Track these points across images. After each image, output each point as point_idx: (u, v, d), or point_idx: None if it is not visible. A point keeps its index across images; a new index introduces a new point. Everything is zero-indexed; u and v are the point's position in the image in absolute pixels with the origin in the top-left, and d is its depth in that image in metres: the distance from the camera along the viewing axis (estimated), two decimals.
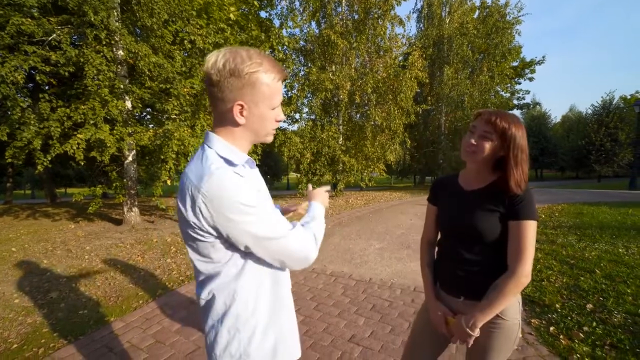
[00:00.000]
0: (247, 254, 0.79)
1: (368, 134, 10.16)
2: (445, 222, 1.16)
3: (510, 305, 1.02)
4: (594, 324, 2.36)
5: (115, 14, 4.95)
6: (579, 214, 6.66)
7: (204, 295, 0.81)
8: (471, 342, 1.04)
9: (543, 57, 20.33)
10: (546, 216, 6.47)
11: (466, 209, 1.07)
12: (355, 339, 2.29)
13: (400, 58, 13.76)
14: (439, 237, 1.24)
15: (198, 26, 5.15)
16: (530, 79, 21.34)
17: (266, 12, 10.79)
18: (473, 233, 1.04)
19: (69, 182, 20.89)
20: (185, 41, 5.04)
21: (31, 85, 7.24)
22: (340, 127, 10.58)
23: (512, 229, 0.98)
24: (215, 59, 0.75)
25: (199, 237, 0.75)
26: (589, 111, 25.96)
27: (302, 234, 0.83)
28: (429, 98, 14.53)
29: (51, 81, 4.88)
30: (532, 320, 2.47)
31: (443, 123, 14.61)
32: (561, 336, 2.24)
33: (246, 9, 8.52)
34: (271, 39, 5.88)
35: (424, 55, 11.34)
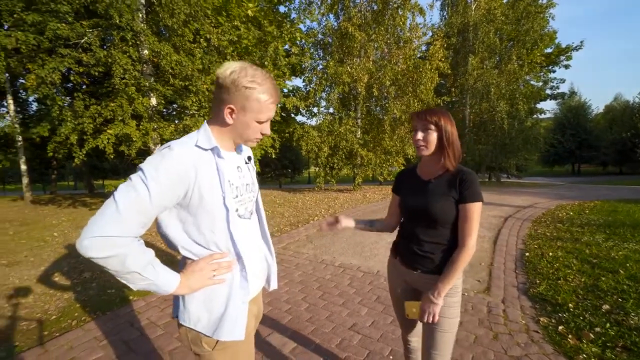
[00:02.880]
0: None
1: (387, 127, 10.01)
2: (406, 209, 1.33)
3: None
4: (608, 325, 2.27)
5: (140, 15, 5.24)
6: (613, 211, 6.22)
7: None
8: (438, 311, 1.19)
9: (581, 42, 18.79)
10: (574, 213, 6.11)
11: (425, 196, 1.24)
12: (356, 328, 2.36)
13: (424, 48, 13.31)
14: (401, 220, 1.42)
15: (213, 25, 5.33)
16: (566, 67, 19.83)
17: (285, 6, 10.86)
18: (429, 217, 1.21)
19: (106, 175, 22.43)
20: (202, 39, 5.25)
21: (71, 85, 7.86)
22: (359, 120, 10.50)
23: (461, 211, 1.18)
24: (226, 67, 0.89)
25: None
26: (637, 100, 23.73)
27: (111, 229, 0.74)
28: (453, 90, 13.96)
29: (84, 81, 5.28)
30: (541, 319, 2.41)
31: (467, 115, 14.00)
32: (570, 336, 2.18)
33: (264, 5, 8.64)
34: (283, 34, 5.96)
35: (445, 45, 10.86)
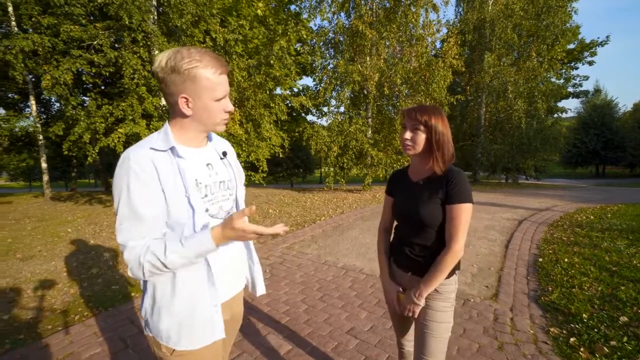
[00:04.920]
0: None
1: (398, 126, 9.83)
2: (397, 211, 1.31)
3: (447, 283, 1.20)
4: (625, 338, 2.11)
5: (152, 17, 5.34)
6: (637, 215, 5.86)
7: None
8: (417, 311, 1.20)
9: (607, 37, 17.85)
10: (595, 217, 5.80)
11: (413, 199, 1.22)
12: (354, 332, 2.30)
13: (437, 45, 12.99)
14: (395, 223, 1.39)
15: (220, 24, 5.38)
16: (590, 63, 18.88)
17: (296, 5, 10.85)
18: (418, 220, 1.18)
19: None
20: (207, 38, 5.30)
21: (85, 85, 8.14)
22: (369, 119, 10.36)
23: (448, 212, 1.13)
24: (160, 59, 0.83)
25: None
26: None
27: (139, 252, 0.81)
28: (468, 88, 13.55)
29: (96, 81, 5.44)
30: (551, 329, 2.28)
31: (483, 114, 13.55)
32: (581, 349, 2.04)
33: (275, 4, 8.66)
34: (289, 33, 5.93)
35: (459, 42, 10.53)
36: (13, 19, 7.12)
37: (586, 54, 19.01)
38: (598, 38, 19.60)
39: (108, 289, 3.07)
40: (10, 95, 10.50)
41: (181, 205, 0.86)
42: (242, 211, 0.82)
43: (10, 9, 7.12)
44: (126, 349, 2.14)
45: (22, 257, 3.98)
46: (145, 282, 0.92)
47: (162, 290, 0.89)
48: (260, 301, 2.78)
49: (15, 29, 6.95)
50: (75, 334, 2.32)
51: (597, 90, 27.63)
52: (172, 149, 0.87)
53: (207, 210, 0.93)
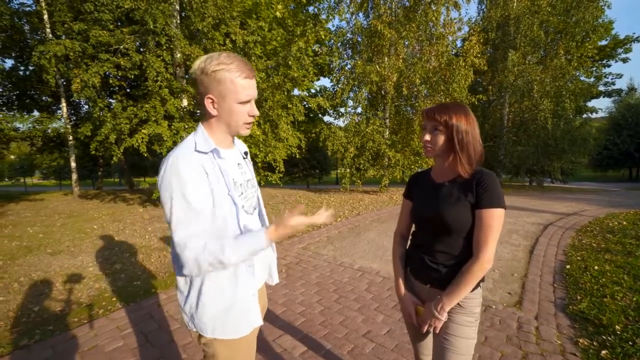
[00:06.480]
0: None
1: (416, 127, 9.64)
2: (417, 215, 1.20)
3: (471, 297, 1.09)
4: None
5: (175, 21, 5.51)
6: None
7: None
8: (439, 326, 1.09)
9: None
10: (628, 223, 5.45)
11: (436, 200, 1.12)
12: (370, 335, 2.26)
13: (458, 44, 12.66)
14: (413, 229, 1.29)
15: (238, 27, 5.48)
16: (624, 60, 17.78)
17: (315, 7, 10.88)
18: (442, 224, 1.08)
19: (146, 172, 24.06)
20: (227, 40, 5.41)
21: (116, 88, 8.51)
22: (387, 120, 10.23)
23: (477, 217, 1.03)
24: (196, 63, 0.89)
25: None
26: None
27: (198, 248, 0.83)
28: (490, 87, 13.10)
29: (122, 84, 5.67)
30: (580, 340, 2.15)
31: (506, 115, 13.05)
32: None
33: (294, 6, 8.72)
34: (307, 34, 5.95)
35: (481, 40, 10.18)
36: (48, 26, 7.56)
37: (620, 50, 17.91)
38: (634, 33, 18.33)
39: (130, 285, 3.18)
40: (44, 98, 11.14)
41: (226, 203, 0.91)
42: (296, 208, 0.93)
43: (45, 16, 7.57)
44: (147, 343, 2.20)
45: (52, 252, 4.19)
46: (190, 278, 0.96)
47: (207, 284, 0.93)
48: (276, 301, 2.79)
49: (50, 35, 7.37)
50: (99, 327, 2.41)
51: (632, 89, 25.93)
52: (213, 150, 0.92)
53: (243, 206, 0.99)
